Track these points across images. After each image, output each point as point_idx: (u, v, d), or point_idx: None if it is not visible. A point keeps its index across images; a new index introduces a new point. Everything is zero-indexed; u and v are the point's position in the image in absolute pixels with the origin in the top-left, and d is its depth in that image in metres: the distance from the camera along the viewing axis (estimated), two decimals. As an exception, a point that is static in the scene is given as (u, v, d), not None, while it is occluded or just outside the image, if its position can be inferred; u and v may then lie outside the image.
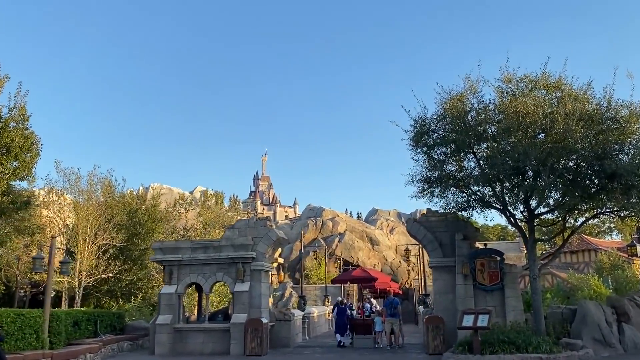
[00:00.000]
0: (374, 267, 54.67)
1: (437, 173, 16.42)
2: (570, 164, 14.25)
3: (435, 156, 16.54)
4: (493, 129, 15.48)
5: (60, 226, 27.44)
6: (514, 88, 15.28)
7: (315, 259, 40.10)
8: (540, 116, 13.70)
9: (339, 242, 54.19)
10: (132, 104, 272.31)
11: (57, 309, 19.88)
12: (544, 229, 19.34)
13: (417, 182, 17.21)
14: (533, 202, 15.71)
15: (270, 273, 19.98)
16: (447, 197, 16.47)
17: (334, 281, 26.63)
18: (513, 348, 13.83)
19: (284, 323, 20.12)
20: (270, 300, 20.64)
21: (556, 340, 15.26)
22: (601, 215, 15.97)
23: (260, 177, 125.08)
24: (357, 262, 52.75)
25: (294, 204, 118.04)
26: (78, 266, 26.03)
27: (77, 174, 27.53)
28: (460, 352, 14.38)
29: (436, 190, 16.75)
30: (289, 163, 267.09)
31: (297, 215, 77.89)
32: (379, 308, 21.43)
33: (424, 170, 17.04)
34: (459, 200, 16.34)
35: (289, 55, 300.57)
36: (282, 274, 21.79)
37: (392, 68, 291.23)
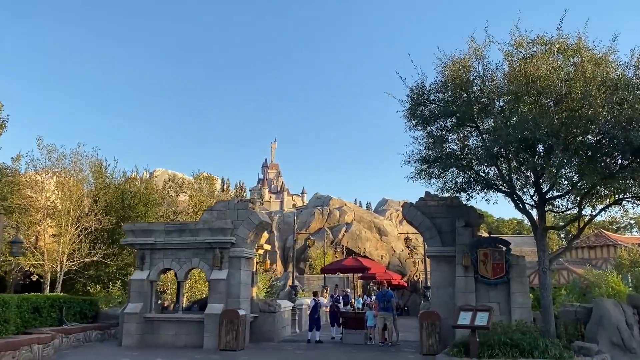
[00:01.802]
0: (382, 258, 52.74)
1: (437, 151, 14.44)
2: (590, 138, 12.16)
3: (435, 132, 14.56)
4: (501, 102, 13.46)
5: (44, 207, 25.91)
6: (525, 53, 13.19)
7: (309, 247, 38.25)
8: (554, 80, 11.60)
9: (345, 231, 52.33)
10: (138, 90, 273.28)
11: (24, 294, 18.37)
12: (561, 223, 17.14)
13: (415, 162, 15.26)
14: (544, 186, 13.73)
15: (252, 260, 18.20)
16: (446, 178, 14.48)
17: (322, 270, 24.86)
18: (516, 352, 11.86)
19: (268, 315, 18.38)
20: (255, 289, 18.91)
21: (567, 343, 13.28)
22: (623, 202, 13.83)
23: (269, 165, 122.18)
24: (363, 252, 50.84)
25: (302, 193, 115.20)
26: (61, 249, 24.67)
27: (62, 152, 25.94)
28: (454, 354, 12.44)
29: (435, 170, 14.78)
30: (300, 151, 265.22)
31: (304, 204, 76.11)
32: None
33: (422, 148, 15.11)
34: (459, 180, 14.34)
35: (298, 41, 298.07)
36: (268, 261, 20.01)
37: (402, 47, 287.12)
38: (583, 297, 20.34)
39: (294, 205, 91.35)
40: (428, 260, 27.26)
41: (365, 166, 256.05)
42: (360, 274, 31.41)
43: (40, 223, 25.43)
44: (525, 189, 14.37)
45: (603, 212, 14.17)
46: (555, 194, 13.54)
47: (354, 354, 15.39)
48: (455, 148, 14.71)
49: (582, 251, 45.77)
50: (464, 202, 15.40)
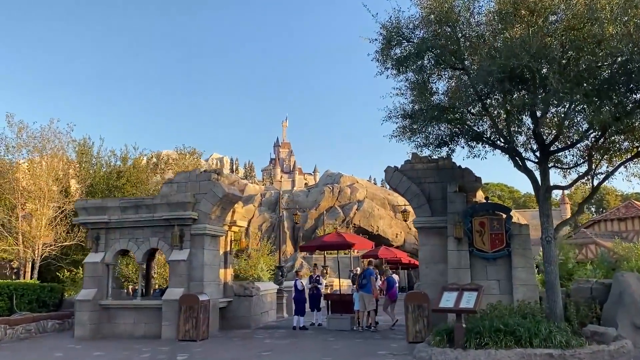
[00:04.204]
0: (397, 236, 50.47)
1: (423, 104, 11.96)
2: (604, 74, 9.58)
3: (417, 77, 12.08)
4: (499, 43, 10.90)
5: (22, 188, 24.32)
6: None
7: (296, 223, 36.26)
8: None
9: (357, 210, 50.04)
10: (145, 71, 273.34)
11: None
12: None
13: (397, 118, 12.85)
14: (549, 139, 11.25)
15: (220, 238, 16.12)
16: (428, 132, 12.05)
17: (301, 249, 22.83)
18: (510, 340, 9.57)
19: (243, 299, 16.43)
20: (229, 271, 16.90)
21: (579, 327, 10.89)
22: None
23: (280, 144, 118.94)
24: (376, 231, 48.59)
25: (314, 171, 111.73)
26: (35, 231, 23.14)
27: (35, 129, 24.20)
28: (437, 343, 10.21)
29: (417, 125, 12.33)
30: (313, 129, 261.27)
31: (316, 183, 73.95)
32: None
33: (406, 101, 12.69)
34: (440, 134, 11.89)
35: (305, 17, 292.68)
36: (245, 240, 17.96)
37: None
38: (611, 272, 17.83)
39: (305, 184, 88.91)
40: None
41: (382, 142, 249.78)
42: (363, 253, 29.22)
43: (17, 205, 23.88)
44: (527, 145, 11.93)
45: (623, 168, 11.61)
46: (561, 146, 11.03)
47: (330, 342, 13.24)
48: (444, 99, 12.27)
49: (611, 223, 42.76)
50: (449, 158, 12.96)
